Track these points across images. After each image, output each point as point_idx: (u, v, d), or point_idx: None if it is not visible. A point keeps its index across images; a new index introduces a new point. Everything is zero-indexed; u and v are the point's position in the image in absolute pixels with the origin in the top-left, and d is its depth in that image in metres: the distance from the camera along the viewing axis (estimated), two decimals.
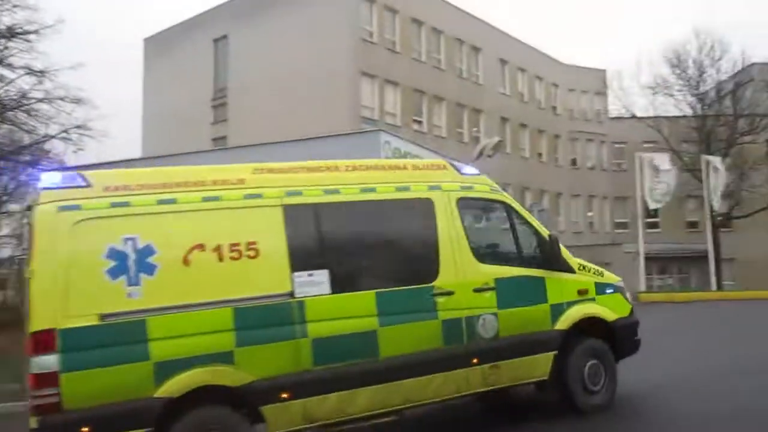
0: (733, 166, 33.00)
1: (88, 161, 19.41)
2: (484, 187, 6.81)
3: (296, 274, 5.53)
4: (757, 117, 35.42)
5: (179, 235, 5.26)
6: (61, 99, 19.95)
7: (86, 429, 4.73)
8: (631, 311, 7.36)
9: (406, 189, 6.30)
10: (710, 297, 22.71)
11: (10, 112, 20.10)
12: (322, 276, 5.62)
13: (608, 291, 7.17)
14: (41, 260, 4.87)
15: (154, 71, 38.04)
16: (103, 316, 4.89)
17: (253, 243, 5.42)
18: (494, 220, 7.21)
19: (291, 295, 5.48)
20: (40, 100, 20.16)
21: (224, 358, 5.17)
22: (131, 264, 5.03)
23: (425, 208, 6.30)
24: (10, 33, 19.41)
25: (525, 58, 41.47)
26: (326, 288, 5.62)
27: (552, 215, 36.01)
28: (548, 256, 6.80)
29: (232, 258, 5.34)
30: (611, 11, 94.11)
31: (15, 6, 19.00)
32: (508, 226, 6.90)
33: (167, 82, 36.26)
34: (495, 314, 6.29)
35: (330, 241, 5.90)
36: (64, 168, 17.90)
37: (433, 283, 6.09)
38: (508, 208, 6.93)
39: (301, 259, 5.58)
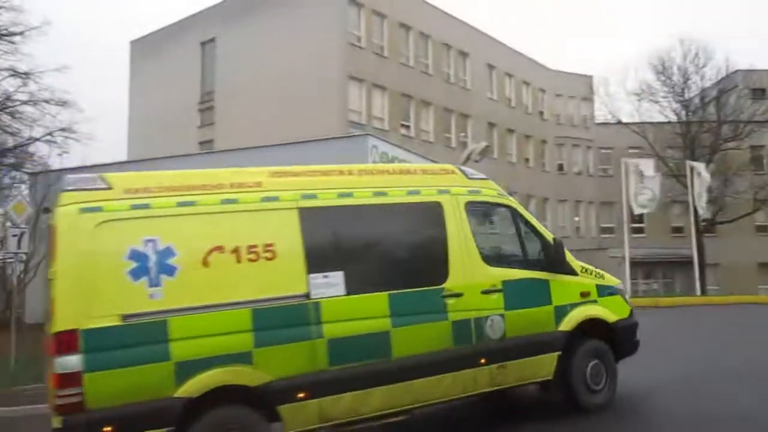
0: (717, 172, 33.35)
1: (73, 164, 19.25)
2: (490, 191, 6.98)
3: (312, 275, 5.63)
4: (741, 123, 35.87)
5: (198, 237, 5.35)
6: (46, 101, 19.83)
7: (109, 428, 4.79)
8: (631, 313, 7.57)
9: (417, 193, 6.45)
10: (695, 302, 22.90)
11: None
12: (337, 277, 5.73)
13: (609, 293, 7.36)
14: (63, 261, 4.93)
15: (140, 74, 37.83)
16: (125, 317, 4.95)
17: (270, 245, 5.52)
18: (500, 224, 7.36)
19: (307, 296, 5.59)
20: (25, 103, 20.03)
21: (243, 358, 5.26)
22: (152, 265, 5.10)
23: (435, 211, 6.45)
24: None
25: (512, 63, 41.69)
26: (341, 289, 5.73)
27: (539, 220, 36.10)
28: (553, 260, 6.98)
29: (250, 260, 5.43)
30: (598, 18, 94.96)
31: (0, 7, 18.86)
32: (513, 229, 7.08)
33: (154, 85, 36.06)
34: (502, 315, 6.45)
35: (344, 243, 6.01)
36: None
37: (443, 285, 6.22)
38: (514, 212, 7.12)
39: (316, 261, 5.68)
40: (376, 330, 5.81)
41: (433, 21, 35.40)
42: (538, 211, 39.38)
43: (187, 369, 5.05)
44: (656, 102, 37.51)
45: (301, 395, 5.43)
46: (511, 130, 41.44)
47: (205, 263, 5.28)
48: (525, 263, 6.93)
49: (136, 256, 5.06)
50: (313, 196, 5.88)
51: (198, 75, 35.42)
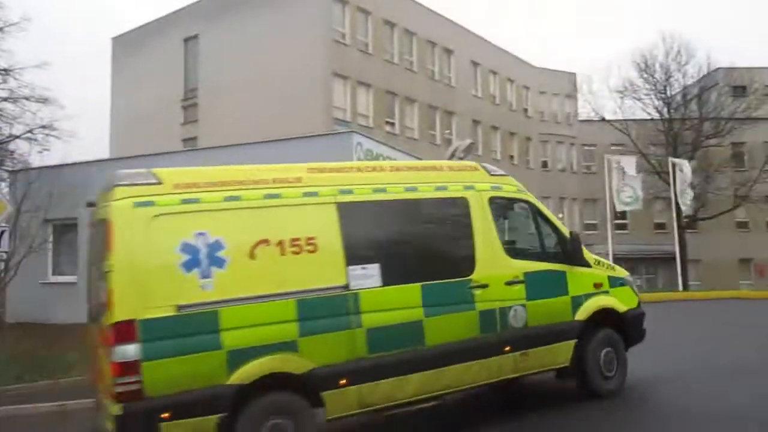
0: (699, 169, 33.67)
1: (53, 162, 19.00)
2: (511, 187, 7.32)
3: (351, 267, 5.88)
4: (722, 120, 36.25)
5: (245, 230, 5.55)
6: (26, 98, 19.55)
7: (166, 415, 4.98)
8: (639, 303, 7.98)
9: (444, 189, 6.74)
10: (677, 297, 23.10)
11: None
12: (374, 269, 5.99)
13: (619, 284, 7.77)
14: (120, 254, 5.07)
15: (122, 71, 37.48)
16: (179, 307, 5.14)
17: (312, 238, 5.76)
18: (520, 218, 7.66)
19: (346, 287, 5.83)
20: (5, 99, 19.74)
21: (289, 346, 5.49)
22: (203, 258, 5.29)
23: (461, 206, 6.76)
24: None
25: (497, 60, 41.82)
26: (377, 281, 5.98)
27: None
28: (569, 252, 7.34)
29: (294, 252, 5.66)
30: (582, 15, 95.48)
31: None
32: (532, 223, 7.44)
33: (136, 81, 35.75)
34: (524, 305, 6.78)
35: (379, 237, 6.33)
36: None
37: (470, 277, 6.52)
38: (533, 207, 7.46)
39: (354, 254, 5.93)
40: (410, 319, 6.07)
41: (418, 18, 35.40)
42: None
43: (238, 357, 5.26)
44: (639, 99, 37.87)
45: (342, 382, 5.68)
46: (495, 128, 41.58)
47: (252, 256, 5.48)
48: (543, 256, 7.27)
49: (187, 249, 5.25)
50: (350, 192, 6.12)
51: (181, 72, 35.14)
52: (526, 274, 6.87)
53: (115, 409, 4.91)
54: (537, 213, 7.45)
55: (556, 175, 45.73)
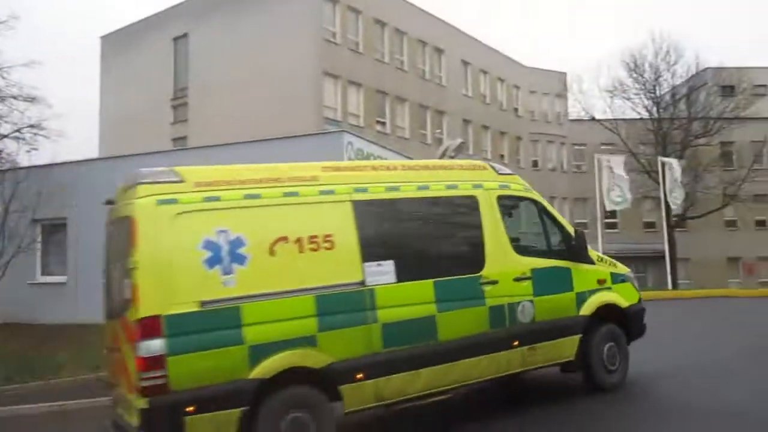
0: (688, 168, 33.87)
1: (42, 161, 18.86)
2: (518, 186, 7.53)
3: (366, 264, 6.01)
4: (711, 120, 36.49)
5: (265, 227, 5.65)
6: (14, 97, 19.33)
7: (191, 408, 5.07)
8: (640, 298, 8.19)
9: (455, 187, 6.91)
10: (667, 296, 23.24)
11: None
12: (389, 266, 6.12)
13: (621, 280, 7.99)
14: (145, 251, 5.15)
15: (111, 70, 37.25)
16: (202, 303, 5.22)
17: (329, 235, 5.87)
18: (527, 216, 7.83)
19: (362, 283, 5.96)
20: None
21: (309, 341, 5.60)
22: (225, 254, 5.38)
23: (471, 204, 6.93)
24: None
25: (487, 60, 41.89)
26: (392, 277, 6.11)
27: None
28: (574, 249, 7.53)
29: (311, 249, 5.77)
30: (572, 15, 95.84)
31: None
32: (538, 221, 7.62)
33: (125, 81, 35.55)
34: (531, 301, 6.96)
35: (393, 234, 6.48)
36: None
37: (480, 273, 6.68)
38: (539, 205, 7.68)
39: (369, 251, 6.06)
40: (423, 315, 6.21)
41: (409, 17, 35.41)
42: None
43: (259, 352, 5.36)
44: (628, 99, 38.03)
45: (359, 376, 5.80)
46: (486, 127, 41.66)
47: (271, 252, 5.59)
48: (549, 253, 7.45)
49: (209, 245, 5.34)
50: (365, 190, 6.25)
51: (171, 71, 34.99)
52: (533, 270, 7.05)
53: (141, 403, 5.00)
54: (543, 211, 7.65)
55: (547, 174, 45.85)
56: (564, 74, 43.25)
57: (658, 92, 37.68)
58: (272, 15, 30.33)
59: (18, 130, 19.48)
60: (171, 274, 5.16)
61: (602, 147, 36.46)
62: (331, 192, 6.04)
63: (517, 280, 6.90)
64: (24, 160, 19.44)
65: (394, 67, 34.65)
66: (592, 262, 7.67)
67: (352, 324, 5.83)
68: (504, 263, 6.86)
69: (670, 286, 27.31)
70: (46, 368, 10.58)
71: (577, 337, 7.32)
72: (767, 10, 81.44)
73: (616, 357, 7.67)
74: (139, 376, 5.00)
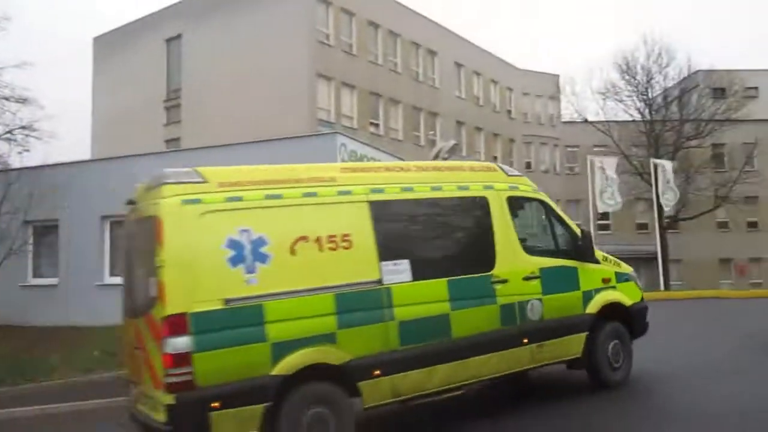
0: (680, 170, 34.04)
1: (34, 163, 18.75)
2: (526, 187, 7.70)
3: (383, 263, 6.14)
4: (702, 122, 36.66)
5: (285, 227, 5.76)
6: (6, 99, 19.23)
7: (217, 404, 5.17)
8: (642, 297, 8.37)
9: (466, 188, 7.08)
10: (659, 297, 23.30)
11: None
12: (404, 265, 6.25)
13: (625, 279, 8.16)
14: (171, 250, 5.24)
15: (104, 71, 37.10)
16: (226, 301, 5.33)
17: (347, 235, 6.00)
18: (535, 216, 8.03)
19: (379, 282, 6.09)
20: None
21: (329, 338, 5.72)
22: (247, 253, 5.48)
23: (482, 205, 7.08)
24: None
25: (480, 62, 41.98)
26: (408, 276, 6.24)
27: None
28: (581, 249, 7.70)
29: (330, 248, 5.89)
30: (565, 18, 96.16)
31: None
32: (546, 221, 7.83)
33: (118, 82, 35.40)
34: (540, 300, 7.12)
35: (408, 233, 6.66)
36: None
37: (491, 272, 6.83)
38: (546, 206, 7.86)
39: (386, 250, 6.19)
40: (438, 313, 6.35)
41: (402, 19, 35.45)
42: None
43: (282, 349, 5.46)
44: (621, 101, 38.19)
45: (376, 372, 5.92)
46: (479, 129, 41.74)
47: (292, 251, 5.70)
48: (557, 252, 7.62)
49: (233, 244, 5.44)
50: (381, 191, 6.39)
51: (164, 72, 34.88)
52: (541, 269, 7.21)
53: (168, 399, 5.09)
54: (550, 212, 7.84)
55: (540, 176, 45.87)
56: (557, 76, 43.46)
57: (650, 94, 37.86)
58: (265, 16, 30.30)
59: (9, 132, 19.39)
60: (196, 272, 5.26)
61: (595, 149, 36.53)
62: (348, 192, 6.17)
63: (527, 279, 7.07)
64: (16, 162, 19.35)
65: (388, 68, 34.67)
66: (597, 262, 7.85)
67: (370, 322, 5.96)
68: (514, 262, 7.01)
69: (662, 287, 27.40)
70: (38, 371, 10.53)
71: (583, 335, 7.48)
72: (758, 14, 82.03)
73: (620, 354, 7.83)
74: (166, 373, 5.10)
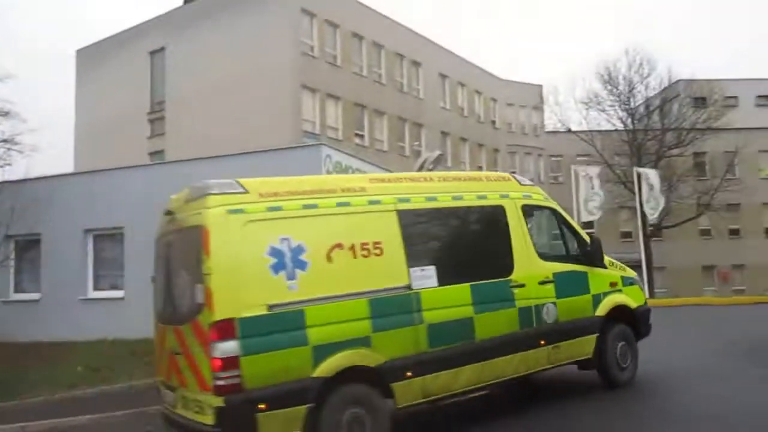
0: (662, 178, 34.41)
1: (16, 176, 18.51)
2: (538, 196, 8.03)
3: (412, 269, 6.40)
4: (684, 131, 37.15)
5: (322, 235, 6.00)
6: None
7: (263, 406, 5.36)
8: (645, 300, 8.76)
9: (484, 197, 7.39)
10: None
11: None
12: (431, 271, 6.52)
13: (630, 283, 8.53)
14: (217, 258, 5.45)
15: (87, 84, 36.87)
16: (270, 306, 5.54)
17: (378, 242, 6.25)
18: (547, 223, 8.36)
19: (409, 287, 6.34)
20: None
21: (365, 342, 5.95)
22: (288, 261, 5.70)
23: (499, 213, 7.40)
24: None
25: (464, 73, 42.25)
26: (434, 281, 6.50)
27: None
28: (590, 255, 8.06)
29: (363, 255, 6.14)
30: (547, 29, 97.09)
31: None
32: (557, 228, 8.15)
33: (101, 94, 35.19)
34: (554, 303, 7.44)
35: (433, 241, 6.98)
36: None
37: (510, 277, 7.14)
38: (557, 214, 8.20)
39: (414, 257, 6.46)
40: (463, 316, 6.63)
41: (386, 31, 35.62)
42: None
43: (322, 352, 5.67)
44: (603, 110, 38.67)
45: (408, 374, 6.16)
46: (464, 139, 41.94)
47: (329, 259, 5.94)
48: (568, 258, 7.98)
49: (274, 252, 5.66)
50: (407, 200, 6.67)
51: (147, 84, 34.72)
52: (555, 274, 7.52)
53: (217, 401, 5.28)
54: (561, 219, 8.18)
55: None
56: (540, 87, 43.86)
57: (632, 104, 38.38)
58: (250, 28, 30.30)
59: None
60: (241, 279, 5.46)
61: (578, 158, 36.88)
62: (378, 202, 6.44)
63: (542, 283, 7.37)
64: None
65: (372, 80, 34.79)
66: (604, 266, 8.18)
67: (402, 325, 6.19)
68: (530, 268, 7.31)
69: (647, 294, 27.57)
70: (21, 387, 10.36)
71: (594, 336, 7.80)
72: (736, 25, 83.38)
73: (628, 355, 8.18)
74: (215, 376, 5.28)
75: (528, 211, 7.69)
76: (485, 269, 7.04)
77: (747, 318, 17.42)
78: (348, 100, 32.63)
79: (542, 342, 7.25)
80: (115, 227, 15.72)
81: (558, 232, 8.18)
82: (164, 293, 6.45)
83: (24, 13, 71.08)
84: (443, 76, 40.47)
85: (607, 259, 8.31)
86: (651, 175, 28.56)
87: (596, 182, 26.60)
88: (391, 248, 6.32)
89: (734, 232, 43.77)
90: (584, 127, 38.94)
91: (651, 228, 34.44)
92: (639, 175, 28.40)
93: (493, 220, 7.39)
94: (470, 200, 7.23)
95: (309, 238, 5.85)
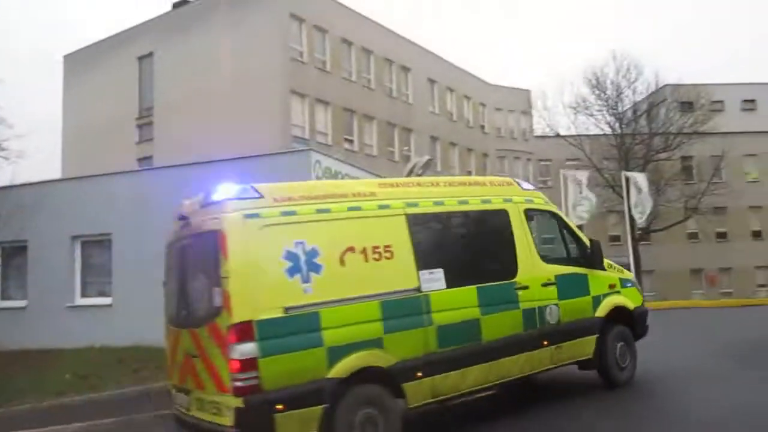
0: (650, 182, 34.60)
1: (1, 182, 18.36)
2: (540, 200, 8.18)
3: (421, 272, 6.52)
4: (671, 135, 37.42)
5: (334, 239, 6.10)
6: None
7: (281, 406, 5.46)
8: (643, 302, 8.94)
9: (489, 202, 7.54)
10: None
11: None
12: (439, 273, 6.65)
13: (628, 285, 8.73)
14: (235, 262, 5.54)
15: (74, 89, 36.69)
16: (286, 309, 5.64)
17: (389, 246, 6.38)
18: (548, 227, 8.49)
19: (418, 289, 6.47)
20: None
21: (377, 343, 6.06)
22: (303, 264, 5.81)
23: (503, 217, 7.56)
24: None
25: (453, 78, 42.38)
26: (442, 284, 6.63)
27: None
28: (590, 257, 8.23)
29: (375, 259, 6.26)
30: (536, 33, 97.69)
31: None
32: (558, 231, 8.35)
33: (89, 100, 35.03)
34: (557, 304, 7.59)
35: (440, 244, 7.10)
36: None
37: (514, 279, 7.29)
38: (558, 217, 8.43)
39: (423, 260, 6.58)
40: (470, 318, 6.76)
41: (375, 36, 35.69)
42: None
43: (337, 353, 5.78)
44: (591, 115, 38.87)
45: (419, 374, 6.29)
46: (453, 144, 42.04)
47: (341, 262, 6.05)
48: (569, 260, 8.12)
49: (290, 256, 5.77)
50: (416, 204, 6.82)
51: (135, 90, 34.61)
52: (556, 276, 7.68)
53: (236, 402, 5.38)
54: (561, 222, 8.38)
55: None
56: (528, 91, 44.04)
57: (620, 108, 38.58)
58: (238, 34, 30.27)
59: None
60: (258, 282, 5.57)
61: (567, 162, 37.09)
62: (387, 206, 6.57)
63: (545, 285, 7.52)
64: None
65: (361, 85, 34.83)
66: (604, 269, 8.35)
67: (412, 327, 6.31)
68: (533, 270, 7.46)
69: None
70: (8, 395, 10.24)
71: (594, 337, 7.96)
72: (722, 30, 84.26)
73: (626, 355, 8.34)
74: (234, 378, 5.38)
75: (530, 214, 7.85)
76: (490, 272, 7.18)
77: (738, 320, 17.57)
78: (337, 105, 32.64)
79: (545, 342, 7.39)
80: (102, 233, 15.57)
81: (558, 235, 8.33)
82: (177, 297, 6.50)
83: (10, 17, 70.68)
84: (432, 81, 40.58)
85: (605, 261, 8.47)
86: (639, 178, 28.68)
87: (584, 187, 26.67)
88: (401, 251, 6.44)
89: (721, 235, 44.11)
90: (573, 132, 39.18)
91: (639, 231, 34.63)
92: (627, 179, 28.53)
93: (498, 223, 7.52)
94: (475, 204, 7.37)
95: (322, 241, 5.96)
